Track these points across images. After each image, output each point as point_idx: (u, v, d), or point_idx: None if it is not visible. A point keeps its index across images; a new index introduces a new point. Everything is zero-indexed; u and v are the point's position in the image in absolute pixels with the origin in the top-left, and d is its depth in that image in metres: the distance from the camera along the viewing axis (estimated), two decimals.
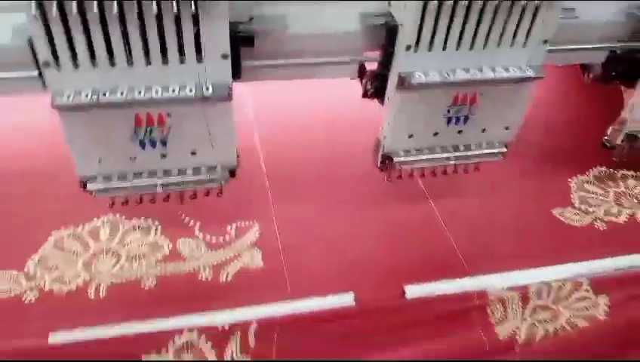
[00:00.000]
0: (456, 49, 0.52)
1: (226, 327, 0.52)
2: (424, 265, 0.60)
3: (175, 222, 0.63)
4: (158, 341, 0.52)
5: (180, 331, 0.52)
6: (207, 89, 0.49)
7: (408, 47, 0.51)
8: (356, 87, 0.58)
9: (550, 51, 0.55)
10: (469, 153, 0.60)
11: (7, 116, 0.76)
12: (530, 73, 0.54)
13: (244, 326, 0.53)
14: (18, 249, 0.59)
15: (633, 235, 0.66)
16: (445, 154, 0.59)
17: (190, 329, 0.52)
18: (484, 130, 0.59)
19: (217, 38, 0.47)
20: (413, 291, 0.56)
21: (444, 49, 0.52)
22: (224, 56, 0.48)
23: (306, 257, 0.60)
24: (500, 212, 0.68)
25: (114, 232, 0.61)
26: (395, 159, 0.58)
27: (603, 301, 0.60)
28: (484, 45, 0.52)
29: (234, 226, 0.63)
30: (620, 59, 0.60)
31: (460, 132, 0.59)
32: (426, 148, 0.59)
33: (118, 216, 0.63)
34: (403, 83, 0.52)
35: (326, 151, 0.75)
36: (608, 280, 0.60)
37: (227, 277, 0.58)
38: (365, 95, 0.57)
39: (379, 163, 0.60)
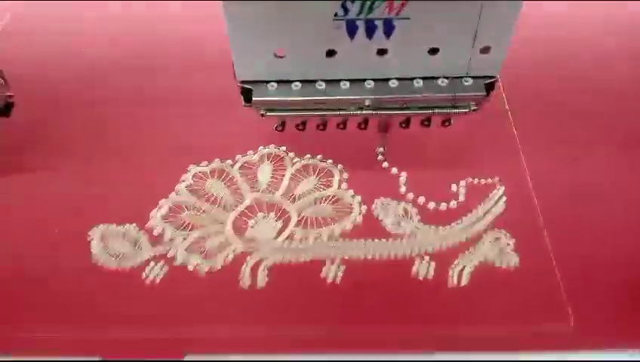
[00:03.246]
0: None
1: None
2: None
3: (370, 168, 0.39)
4: None
5: None
6: None
7: None
8: None
9: None
10: None
11: None
12: None
13: None
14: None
15: None
16: None
17: None
18: None
19: None
20: None
21: None
22: None
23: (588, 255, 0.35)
24: None
25: (275, 174, 0.39)
26: None
27: None
28: None
29: (464, 185, 0.38)
30: None
31: None
32: None
33: (282, 149, 0.41)
34: None
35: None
36: None
37: (456, 279, 0.33)
38: None
39: None
